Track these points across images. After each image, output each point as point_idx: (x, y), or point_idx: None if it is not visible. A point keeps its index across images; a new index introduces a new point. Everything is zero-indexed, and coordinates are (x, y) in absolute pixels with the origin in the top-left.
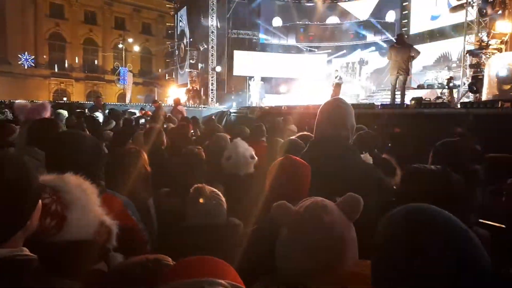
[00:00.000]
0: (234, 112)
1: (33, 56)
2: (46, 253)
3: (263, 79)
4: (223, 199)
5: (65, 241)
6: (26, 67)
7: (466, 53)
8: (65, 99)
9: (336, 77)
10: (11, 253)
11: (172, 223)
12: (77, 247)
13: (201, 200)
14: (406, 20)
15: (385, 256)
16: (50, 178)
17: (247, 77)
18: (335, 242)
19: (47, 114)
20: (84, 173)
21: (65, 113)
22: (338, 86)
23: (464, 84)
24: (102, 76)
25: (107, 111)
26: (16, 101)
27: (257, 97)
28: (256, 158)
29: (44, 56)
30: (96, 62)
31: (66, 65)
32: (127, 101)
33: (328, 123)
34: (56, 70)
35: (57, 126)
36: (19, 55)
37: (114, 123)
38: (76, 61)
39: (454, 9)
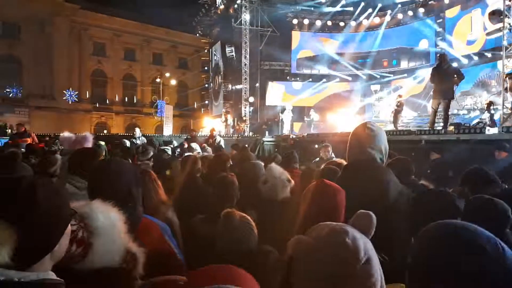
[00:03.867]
0: (267, 141)
1: (77, 92)
2: (72, 280)
3: (294, 108)
4: (253, 224)
5: (90, 268)
6: (70, 102)
7: (505, 77)
8: (105, 131)
9: (397, 104)
10: (38, 276)
11: (204, 249)
12: (102, 275)
13: (230, 227)
14: (440, 47)
15: (423, 277)
16: (79, 205)
17: (279, 107)
18: (358, 269)
19: (89, 144)
20: (124, 200)
21: (103, 145)
22: (397, 112)
23: (505, 107)
24: (140, 109)
25: (145, 140)
26: (62, 133)
27: (288, 126)
28: (293, 181)
29: (87, 92)
30: (135, 96)
31: (107, 100)
32: (167, 132)
33: (359, 146)
34: (97, 104)
35: (97, 154)
36: (64, 91)
37: (151, 153)
38: (116, 96)
39: (491, 33)
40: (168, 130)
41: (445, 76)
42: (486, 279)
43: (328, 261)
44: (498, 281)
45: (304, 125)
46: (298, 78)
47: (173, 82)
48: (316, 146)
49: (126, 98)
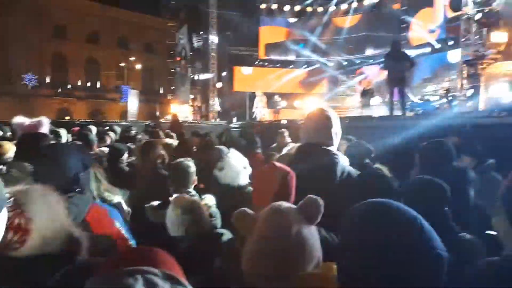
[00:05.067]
0: (234, 127)
1: (37, 76)
2: (8, 268)
3: (264, 94)
4: (204, 209)
5: (29, 255)
6: (29, 87)
7: (463, 64)
8: (67, 117)
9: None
10: None
11: (157, 235)
12: (42, 261)
13: (178, 212)
14: (404, 33)
15: (350, 254)
16: (16, 191)
17: (248, 93)
18: (292, 245)
19: (45, 129)
20: (70, 185)
21: (63, 131)
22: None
23: (462, 94)
24: (104, 95)
25: (106, 128)
26: (15, 118)
27: (261, 112)
28: (250, 168)
29: (48, 76)
30: (98, 81)
31: (69, 85)
32: (132, 118)
33: (312, 131)
34: (59, 90)
35: (45, 139)
36: (22, 76)
37: (109, 139)
38: (79, 81)
39: (451, 21)
40: (133, 116)
41: (398, 62)
42: (402, 254)
43: (267, 236)
44: (413, 256)
45: (272, 111)
46: (266, 64)
47: (139, 66)
48: (279, 131)
49: (89, 83)
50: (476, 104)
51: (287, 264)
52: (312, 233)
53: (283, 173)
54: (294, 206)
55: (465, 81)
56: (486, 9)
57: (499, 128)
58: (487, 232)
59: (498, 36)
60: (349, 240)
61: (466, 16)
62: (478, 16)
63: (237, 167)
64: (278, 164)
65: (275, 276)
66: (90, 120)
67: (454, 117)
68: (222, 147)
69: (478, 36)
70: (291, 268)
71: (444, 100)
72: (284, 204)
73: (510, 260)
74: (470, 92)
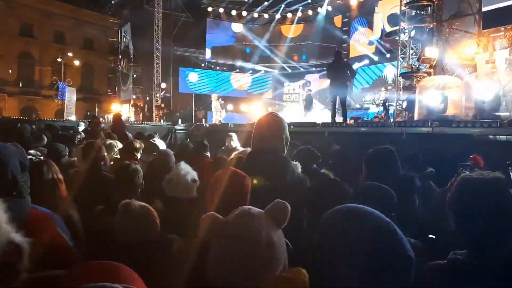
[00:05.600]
0: (180, 129)
1: None
2: None
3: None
4: (155, 214)
5: None
6: None
7: (399, 76)
8: None
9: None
10: None
11: (104, 242)
12: None
13: (128, 217)
14: (345, 44)
15: (329, 257)
16: None
17: (193, 95)
18: (262, 248)
19: None
20: (7, 188)
21: None
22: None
23: (398, 104)
24: (38, 91)
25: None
26: None
27: (218, 115)
28: (198, 181)
29: None
30: (32, 76)
31: None
32: (69, 117)
33: (263, 136)
34: None
35: None
36: None
37: (46, 139)
38: (10, 75)
39: (389, 35)
40: (70, 115)
41: (340, 72)
42: (379, 256)
43: (237, 239)
44: (389, 258)
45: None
46: (212, 66)
47: (77, 63)
48: (228, 135)
49: (21, 78)
50: (411, 114)
51: (257, 267)
52: (280, 237)
53: (240, 177)
54: (262, 211)
55: (401, 92)
56: (421, 26)
57: (432, 137)
58: (429, 236)
59: (431, 52)
60: (327, 244)
61: (403, 31)
62: (413, 33)
63: (186, 181)
64: (234, 169)
65: (244, 279)
66: (23, 118)
67: (391, 126)
68: (169, 150)
69: (413, 51)
70: (261, 271)
71: (382, 109)
72: (254, 208)
73: (454, 263)
74: (405, 104)
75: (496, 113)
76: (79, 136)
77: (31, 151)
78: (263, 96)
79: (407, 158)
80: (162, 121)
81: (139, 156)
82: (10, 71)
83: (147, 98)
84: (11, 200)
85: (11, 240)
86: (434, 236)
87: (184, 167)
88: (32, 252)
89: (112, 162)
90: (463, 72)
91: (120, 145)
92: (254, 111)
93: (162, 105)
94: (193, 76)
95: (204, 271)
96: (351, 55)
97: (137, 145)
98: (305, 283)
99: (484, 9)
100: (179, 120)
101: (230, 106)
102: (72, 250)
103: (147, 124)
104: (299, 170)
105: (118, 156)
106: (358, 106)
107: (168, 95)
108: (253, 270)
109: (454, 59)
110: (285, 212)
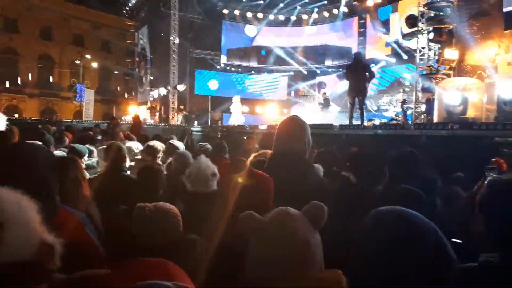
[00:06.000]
0: (196, 131)
1: None
2: None
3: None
4: (177, 214)
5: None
6: None
7: (418, 78)
8: (16, 115)
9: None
10: None
11: (126, 242)
12: (14, 269)
13: (153, 217)
14: (362, 46)
15: (370, 260)
16: None
17: (209, 97)
18: (299, 248)
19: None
20: (37, 188)
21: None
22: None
23: (417, 107)
24: (57, 93)
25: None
26: None
27: (237, 117)
28: (218, 175)
29: None
30: (51, 78)
31: (19, 81)
32: (87, 118)
33: (286, 139)
34: (7, 85)
35: (8, 137)
36: None
37: (67, 140)
38: (30, 77)
39: (406, 36)
40: (88, 116)
41: (358, 73)
42: (426, 262)
43: (274, 239)
44: (433, 262)
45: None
46: (228, 68)
47: (95, 65)
48: (245, 137)
49: (41, 80)
50: (431, 116)
51: (294, 266)
52: (317, 238)
53: (264, 179)
54: (299, 211)
55: (419, 94)
56: (439, 27)
57: (452, 140)
58: (453, 240)
59: (451, 53)
60: (369, 247)
61: (421, 32)
62: (431, 34)
63: (206, 175)
64: (257, 171)
65: (281, 278)
66: (44, 119)
67: (410, 129)
68: (187, 152)
69: (432, 52)
70: (297, 271)
71: (400, 111)
72: (291, 208)
73: (486, 266)
74: (423, 107)
75: None
76: (99, 137)
77: (56, 152)
78: (278, 97)
79: (430, 161)
80: (179, 122)
81: (160, 157)
82: (30, 74)
83: (164, 100)
84: (41, 200)
85: (44, 241)
86: (460, 241)
87: (204, 161)
88: (63, 253)
89: (133, 163)
90: (483, 73)
91: (139, 146)
92: (269, 113)
93: (181, 107)
94: (213, 84)
95: (238, 271)
96: (368, 56)
97: (158, 146)
98: (341, 283)
99: (505, 9)
100: (195, 122)
101: (245, 108)
102: (99, 250)
103: (164, 125)
104: (321, 173)
105: (139, 157)
106: (375, 108)
107: (184, 96)
108: (289, 269)
109: (475, 61)
110: (322, 212)
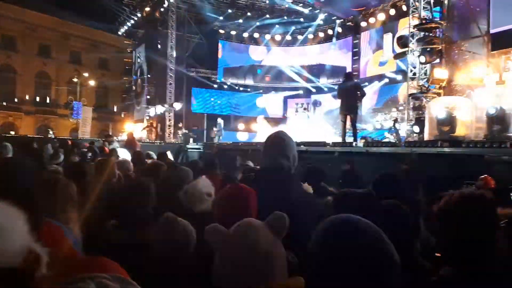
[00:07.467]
0: (192, 148)
1: None
2: None
3: (222, 117)
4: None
5: None
6: None
7: (409, 97)
8: (12, 132)
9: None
10: None
11: (119, 256)
12: (1, 276)
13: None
14: (356, 65)
15: (322, 265)
16: None
17: (205, 115)
18: (261, 258)
19: None
20: (22, 200)
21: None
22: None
23: (409, 125)
24: (54, 110)
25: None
26: None
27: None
28: (213, 196)
29: None
30: (48, 96)
31: (16, 98)
32: (83, 136)
33: (271, 154)
34: (4, 103)
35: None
36: None
37: (62, 156)
38: (27, 94)
39: (398, 56)
40: (85, 133)
41: (350, 92)
42: (372, 263)
43: (237, 250)
44: (381, 265)
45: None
46: (224, 87)
47: (92, 83)
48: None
49: (38, 98)
50: (421, 134)
51: (255, 275)
52: (280, 247)
53: (247, 192)
54: (262, 222)
55: (411, 113)
56: (429, 48)
57: (442, 158)
58: (436, 254)
59: (440, 73)
60: (321, 252)
61: (412, 52)
62: (422, 58)
63: (201, 193)
64: (241, 184)
65: (244, 286)
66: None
67: (401, 146)
68: (187, 168)
69: (423, 72)
70: (259, 279)
71: (392, 129)
72: (254, 220)
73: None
74: (416, 128)
75: (507, 134)
76: (90, 154)
77: (51, 168)
78: (273, 115)
79: (417, 181)
80: (175, 140)
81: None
82: (27, 92)
83: (160, 118)
84: (28, 212)
85: (31, 249)
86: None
87: (203, 181)
88: (48, 262)
89: (124, 179)
90: (472, 92)
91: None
92: (263, 130)
93: (180, 124)
94: (205, 96)
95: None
96: (361, 76)
97: (149, 162)
98: None
99: (492, 31)
100: (191, 139)
101: (241, 126)
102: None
103: (160, 143)
104: (310, 190)
105: (131, 173)
106: (368, 126)
107: (180, 114)
108: (251, 278)
109: (464, 80)
110: (283, 222)
